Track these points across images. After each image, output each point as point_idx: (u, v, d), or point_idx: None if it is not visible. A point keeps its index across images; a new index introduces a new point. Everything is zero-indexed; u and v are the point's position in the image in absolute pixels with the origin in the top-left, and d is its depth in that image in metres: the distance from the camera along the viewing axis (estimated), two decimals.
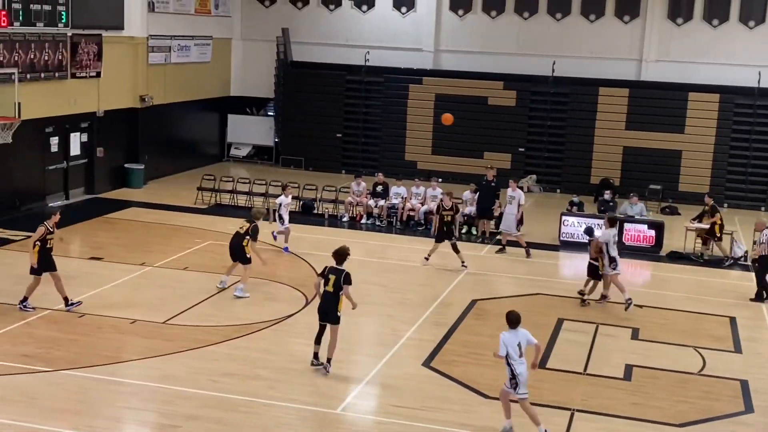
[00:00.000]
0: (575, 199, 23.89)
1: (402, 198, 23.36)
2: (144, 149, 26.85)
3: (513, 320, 11.21)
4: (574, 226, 21.94)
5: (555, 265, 20.75)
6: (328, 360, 12.95)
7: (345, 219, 23.57)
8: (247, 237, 16.45)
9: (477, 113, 29.33)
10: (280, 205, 20.09)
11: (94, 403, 11.80)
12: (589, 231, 18.04)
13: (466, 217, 22.68)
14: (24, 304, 15.02)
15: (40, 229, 14.97)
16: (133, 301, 15.94)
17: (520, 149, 29.45)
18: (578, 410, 12.36)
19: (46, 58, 22.47)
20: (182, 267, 18.27)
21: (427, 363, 13.77)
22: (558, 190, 29.01)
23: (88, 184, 25.03)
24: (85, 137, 24.71)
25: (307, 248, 20.28)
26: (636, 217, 22.17)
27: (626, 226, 21.81)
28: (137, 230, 21.31)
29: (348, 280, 12.87)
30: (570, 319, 16.27)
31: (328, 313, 12.92)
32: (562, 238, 22.01)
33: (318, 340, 13.08)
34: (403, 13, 30.95)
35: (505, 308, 16.47)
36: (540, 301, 17.37)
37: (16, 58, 21.28)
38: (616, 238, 17.38)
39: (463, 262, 19.11)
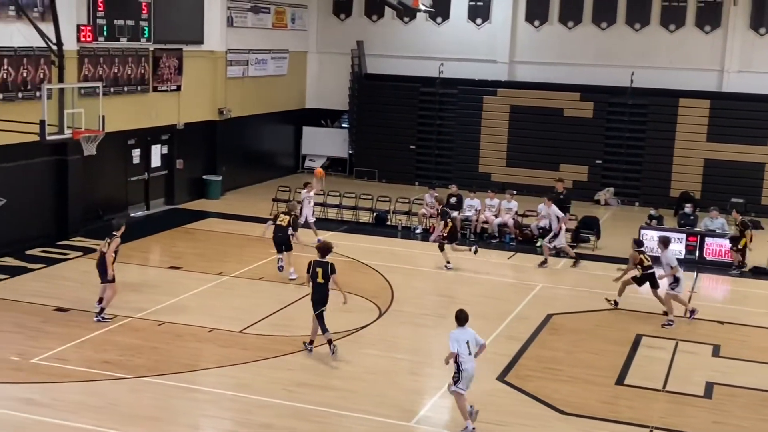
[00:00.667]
0: (654, 212, 23.44)
1: (476, 210, 23.25)
2: (221, 161, 27.33)
3: (461, 318, 11.73)
4: (654, 240, 21.51)
5: None
6: (311, 342, 14.10)
7: (418, 231, 23.57)
8: (291, 227, 18.24)
9: (553, 125, 29.08)
10: (303, 199, 21.44)
11: (173, 410, 12.02)
12: (638, 242, 18.12)
13: (541, 230, 22.46)
14: (102, 316, 15.28)
15: (117, 241, 15.26)
16: (211, 310, 16.20)
17: (597, 161, 29.06)
18: (657, 428, 12.09)
19: (129, 72, 23.08)
20: (258, 277, 18.50)
21: (501, 377, 13.65)
22: (636, 204, 28.50)
23: (168, 194, 25.57)
24: (165, 149, 25.27)
25: (381, 260, 20.36)
26: (717, 231, 21.63)
27: (707, 240, 21.37)
28: (214, 240, 21.68)
29: (333, 269, 13.90)
30: (649, 335, 15.95)
31: (323, 302, 13.86)
32: None
33: (326, 328, 13.86)
34: (478, 25, 30.89)
35: (581, 323, 16.48)
36: (617, 317, 17.06)
37: (101, 73, 21.91)
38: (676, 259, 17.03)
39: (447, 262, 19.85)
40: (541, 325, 16.23)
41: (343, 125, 32.40)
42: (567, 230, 22.29)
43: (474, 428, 11.55)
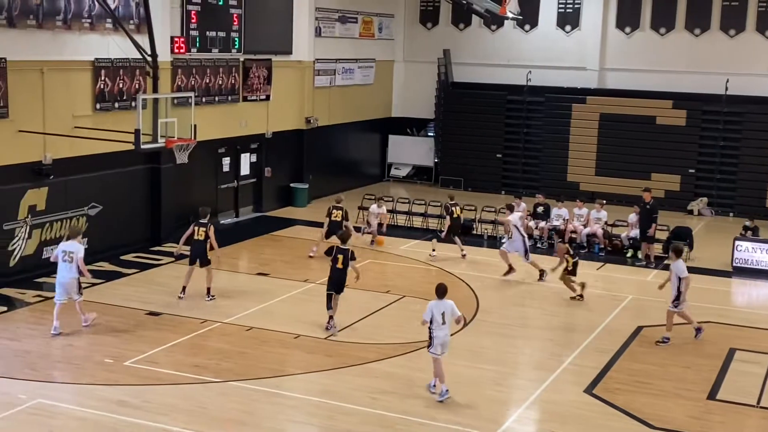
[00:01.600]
0: (749, 223, 22.70)
1: (564, 220, 22.92)
2: (308, 169, 27.64)
3: (440, 291, 12.74)
4: (748, 252, 20.87)
5: (727, 293, 19.75)
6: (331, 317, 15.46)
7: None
8: (347, 221, 20.23)
9: (644, 133, 28.50)
10: (370, 213, 22.82)
11: (259, 414, 12.17)
12: (560, 234, 19.37)
13: (631, 241, 22.02)
14: (211, 295, 16.98)
15: (212, 227, 16.99)
16: (297, 317, 16.37)
17: (690, 170, 28.34)
18: None
19: (220, 82, 23.57)
20: None
21: (589, 390, 13.39)
22: (731, 214, 27.67)
23: (256, 202, 25.99)
24: (254, 158, 25.71)
25: (466, 269, 20.26)
26: None
27: None
28: (301, 248, 21.88)
29: (353, 257, 15.39)
30: (743, 349, 15.43)
31: (341, 285, 15.33)
32: (735, 264, 20.95)
33: (330, 306, 15.41)
34: (567, 32, 30.52)
35: (673, 336, 16.01)
36: (710, 330, 16.52)
37: (193, 83, 22.44)
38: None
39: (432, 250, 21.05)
40: (630, 338, 15.88)
41: (429, 134, 32.40)
42: (658, 241, 21.83)
43: (435, 384, 12.80)
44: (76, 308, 15.03)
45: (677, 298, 15.56)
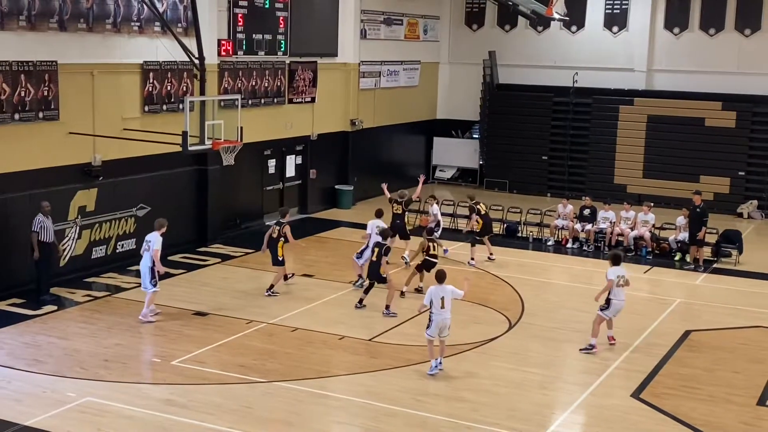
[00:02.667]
0: None
1: (610, 222, 22.68)
2: (353, 171, 27.71)
3: (440, 277, 13.59)
4: None
5: None
6: (387, 306, 16.49)
7: (550, 243, 23.20)
8: (406, 212, 20.36)
9: (692, 135, 28.11)
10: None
11: (305, 415, 12.23)
12: (429, 231, 18.08)
13: (679, 244, 21.73)
14: (272, 291, 17.52)
15: (288, 227, 17.52)
16: (341, 318, 16.43)
17: (740, 173, 27.87)
18: None
19: (266, 84, 23.74)
20: None
21: (636, 394, 13.24)
22: None
23: (301, 204, 26.12)
24: (299, 159, 25.85)
25: (511, 272, 20.15)
26: None
27: None
28: (346, 249, 21.89)
29: (387, 252, 16.72)
30: None
31: (376, 275, 16.59)
32: None
33: (366, 292, 16.87)
34: (614, 33, 30.22)
35: (721, 340, 15.81)
36: (760, 335, 16.28)
37: (239, 85, 22.65)
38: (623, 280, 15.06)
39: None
40: (678, 342, 15.66)
41: (474, 136, 32.30)
42: (707, 244, 21.51)
43: (439, 362, 13.59)
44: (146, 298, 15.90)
45: (607, 304, 15.01)
